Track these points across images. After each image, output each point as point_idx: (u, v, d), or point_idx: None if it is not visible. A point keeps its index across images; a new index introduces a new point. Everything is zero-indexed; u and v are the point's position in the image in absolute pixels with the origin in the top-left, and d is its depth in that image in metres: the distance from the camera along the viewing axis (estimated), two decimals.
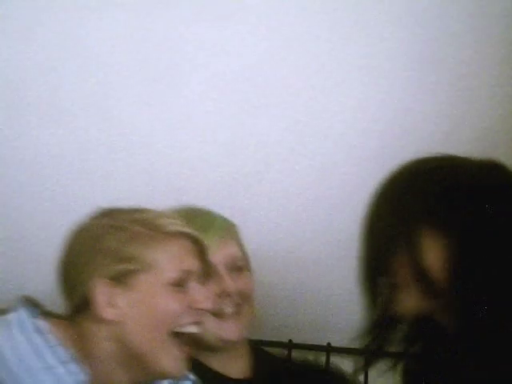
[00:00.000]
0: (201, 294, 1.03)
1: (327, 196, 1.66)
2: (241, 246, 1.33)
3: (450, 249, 0.91)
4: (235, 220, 1.65)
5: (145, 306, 0.99)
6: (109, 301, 0.98)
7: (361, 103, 1.62)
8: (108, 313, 0.98)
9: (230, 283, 1.25)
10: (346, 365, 1.68)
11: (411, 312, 0.97)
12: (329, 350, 1.70)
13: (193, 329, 1.04)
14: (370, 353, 1.09)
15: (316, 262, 1.69)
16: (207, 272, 1.09)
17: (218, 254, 1.24)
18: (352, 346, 1.71)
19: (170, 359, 1.00)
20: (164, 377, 1.03)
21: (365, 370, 1.12)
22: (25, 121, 1.66)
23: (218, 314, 1.23)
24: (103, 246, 1.01)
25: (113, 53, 1.62)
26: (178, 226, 1.05)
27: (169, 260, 1.01)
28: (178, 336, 1.01)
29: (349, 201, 1.67)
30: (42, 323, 0.98)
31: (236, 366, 1.30)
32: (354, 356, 1.74)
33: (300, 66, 1.61)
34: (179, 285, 1.01)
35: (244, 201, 1.67)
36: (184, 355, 1.02)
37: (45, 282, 1.71)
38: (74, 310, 1.03)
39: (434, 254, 0.92)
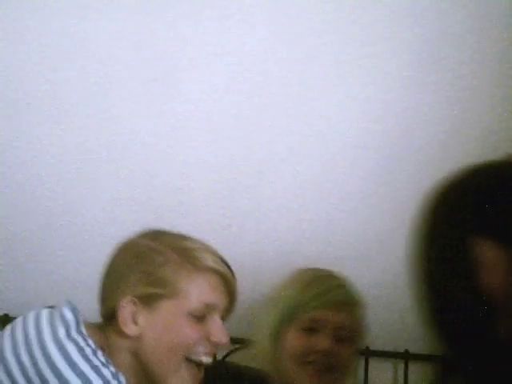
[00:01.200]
0: (218, 328, 1.08)
1: (327, 196, 1.66)
2: (355, 322, 1.41)
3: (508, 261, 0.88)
4: (235, 220, 1.66)
5: (162, 330, 1.05)
6: (132, 318, 1.05)
7: (361, 103, 1.62)
8: (129, 328, 1.05)
9: (327, 341, 1.34)
10: None
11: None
12: None
13: (205, 359, 1.08)
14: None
15: (316, 262, 1.69)
16: (232, 307, 1.15)
17: (329, 315, 1.36)
18: None
19: (179, 381, 1.06)
20: None
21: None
22: (25, 121, 1.66)
23: (308, 366, 1.34)
24: (139, 266, 1.08)
25: (113, 53, 1.62)
26: (213, 261, 1.10)
27: (194, 291, 1.07)
28: (191, 362, 1.07)
29: (349, 201, 1.67)
30: (82, 327, 1.02)
31: None
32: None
33: (300, 66, 1.61)
34: (199, 316, 1.07)
35: (244, 201, 1.67)
36: (194, 381, 1.08)
37: (44, 282, 1.71)
38: (104, 319, 1.09)
39: (492, 267, 0.89)
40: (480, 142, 1.61)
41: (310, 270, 1.48)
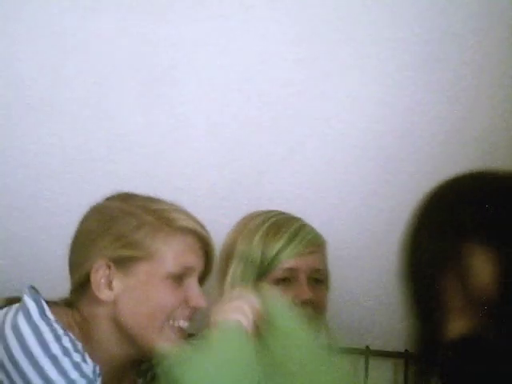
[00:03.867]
0: (196, 292, 1.05)
1: (327, 196, 1.66)
2: (325, 261, 1.35)
3: (502, 264, 0.86)
4: (235, 220, 1.65)
5: (139, 293, 1.01)
6: (107, 282, 1.01)
7: (361, 103, 1.62)
8: (103, 293, 1.01)
9: (307, 292, 1.26)
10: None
11: (461, 335, 0.90)
12: None
13: (183, 323, 1.05)
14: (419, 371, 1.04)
15: None
16: (209, 270, 1.12)
17: (302, 262, 1.28)
18: (352, 346, 1.73)
19: (163, 341, 1.02)
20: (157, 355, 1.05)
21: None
22: (25, 121, 1.66)
23: None
24: (112, 229, 1.03)
25: (112, 53, 1.62)
26: (189, 222, 1.07)
27: (172, 254, 1.03)
28: (171, 326, 1.04)
29: (349, 201, 1.67)
30: (48, 312, 0.98)
31: None
32: (354, 356, 1.75)
33: (300, 65, 1.61)
34: (177, 280, 1.03)
35: (244, 201, 1.67)
36: (177, 339, 1.04)
37: (45, 281, 1.71)
38: (76, 290, 1.05)
39: (485, 270, 0.87)
40: (480, 142, 1.61)
41: (261, 215, 1.37)
